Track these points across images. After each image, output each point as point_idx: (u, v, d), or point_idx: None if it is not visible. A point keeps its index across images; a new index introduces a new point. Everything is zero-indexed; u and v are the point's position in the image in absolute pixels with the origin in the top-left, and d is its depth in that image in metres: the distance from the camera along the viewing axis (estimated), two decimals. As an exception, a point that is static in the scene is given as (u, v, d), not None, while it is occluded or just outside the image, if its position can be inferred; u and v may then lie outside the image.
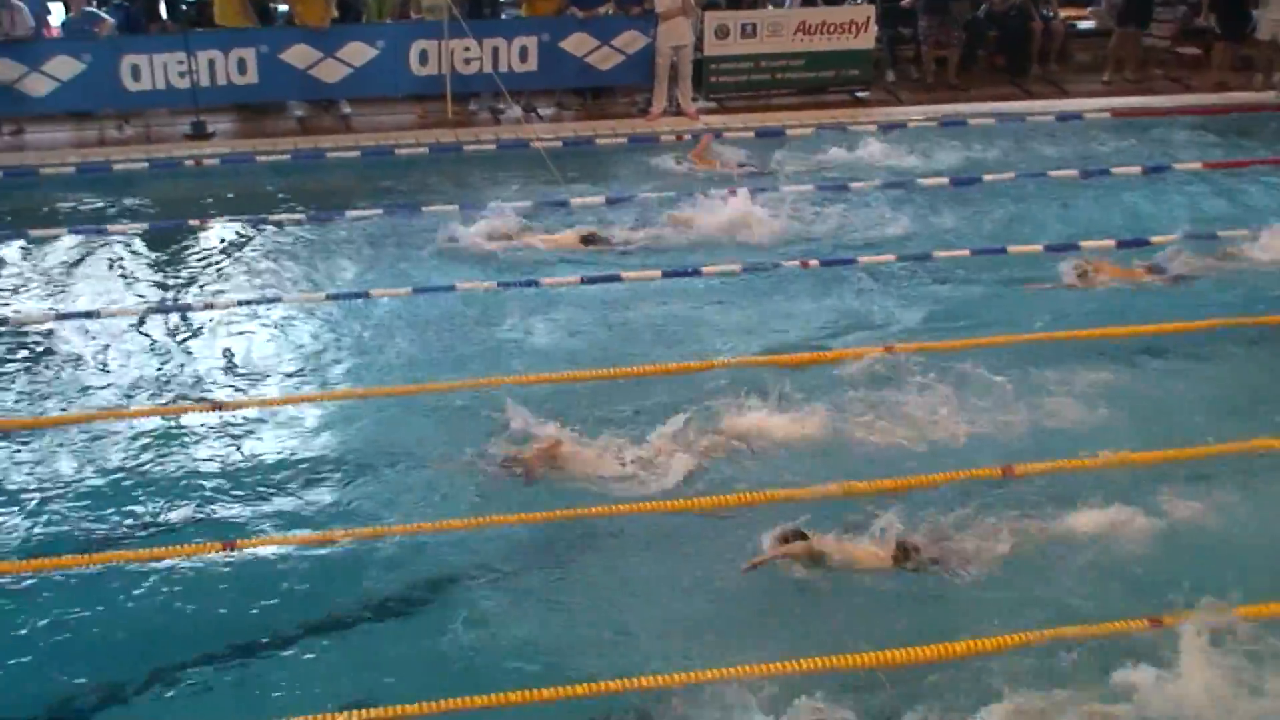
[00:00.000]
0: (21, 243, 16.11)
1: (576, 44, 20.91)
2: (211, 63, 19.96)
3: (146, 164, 18.90)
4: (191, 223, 16.61)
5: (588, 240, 15.51)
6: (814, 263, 14.93)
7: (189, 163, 18.97)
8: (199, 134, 19.97)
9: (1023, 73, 23.30)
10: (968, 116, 20.93)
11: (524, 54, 20.79)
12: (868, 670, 8.40)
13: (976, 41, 23.32)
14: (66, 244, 16.00)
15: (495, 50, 20.64)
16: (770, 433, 11.03)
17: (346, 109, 21.09)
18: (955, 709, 8.04)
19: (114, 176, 18.56)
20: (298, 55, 20.12)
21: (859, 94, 22.28)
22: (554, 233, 15.79)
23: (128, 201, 17.59)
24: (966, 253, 15.13)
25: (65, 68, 19.61)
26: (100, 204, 17.48)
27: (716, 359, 12.50)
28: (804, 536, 9.45)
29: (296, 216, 16.68)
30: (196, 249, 15.91)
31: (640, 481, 10.44)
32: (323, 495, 10.51)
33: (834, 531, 9.57)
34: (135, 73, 19.83)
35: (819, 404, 11.37)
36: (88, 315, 13.94)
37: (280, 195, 17.67)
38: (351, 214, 16.65)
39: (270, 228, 16.37)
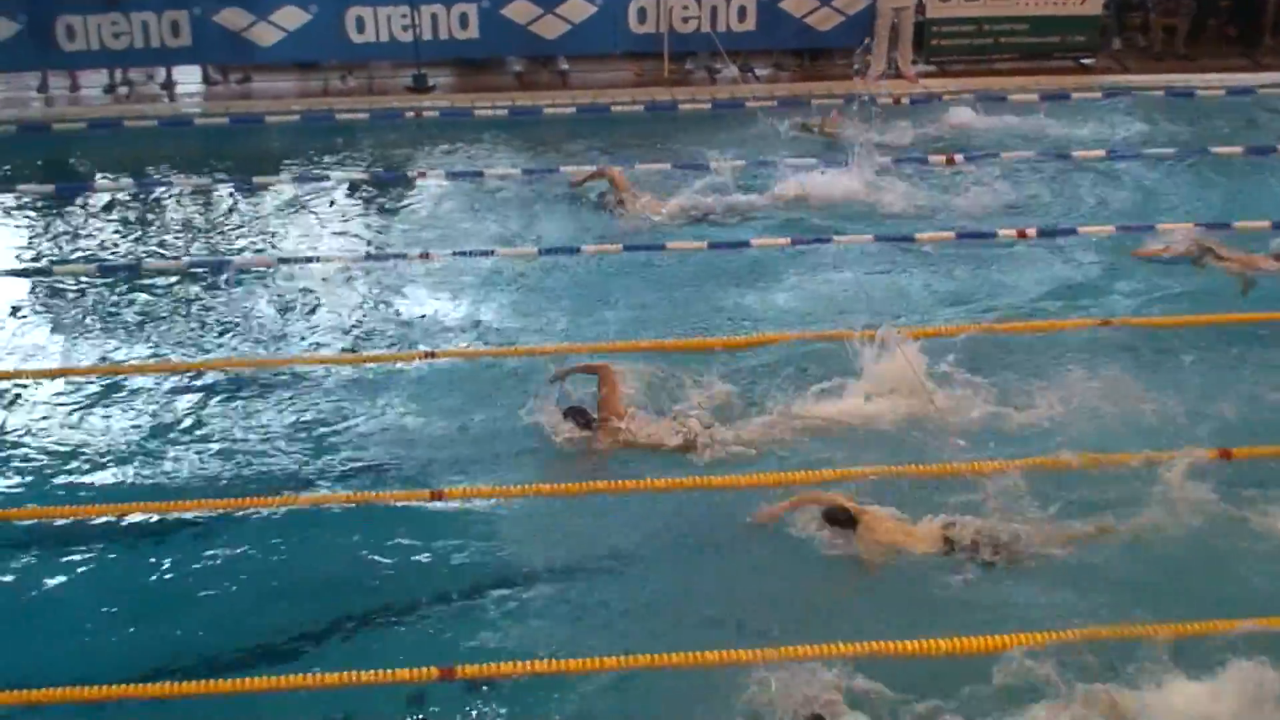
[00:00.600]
0: (246, 188, 16.53)
1: (796, 4, 20.71)
2: (434, 17, 20.21)
3: (368, 115, 19.24)
4: (409, 174, 16.87)
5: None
6: (1031, 232, 14.64)
7: (409, 115, 19.24)
8: (420, 87, 20.25)
9: (1255, 44, 22.46)
10: (1196, 88, 20.26)
11: (743, 13, 20.67)
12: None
13: (1207, 10, 22.54)
14: (288, 190, 16.38)
15: (714, 9, 20.55)
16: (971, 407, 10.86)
17: (564, 65, 21.18)
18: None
19: (336, 126, 18.91)
20: (518, 11, 20.27)
21: (1084, 61, 21.72)
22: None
23: (348, 151, 17.92)
24: (1190, 226, 14.59)
25: (293, 18, 20.02)
26: (322, 152, 17.84)
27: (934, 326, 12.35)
28: (847, 514, 9.26)
29: (511, 171, 16.82)
30: (412, 200, 16.16)
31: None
32: (527, 447, 10.63)
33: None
34: (360, 25, 20.17)
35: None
36: (307, 260, 14.26)
37: (497, 149, 17.85)
38: (566, 169, 16.71)
39: (488, 181, 16.54)
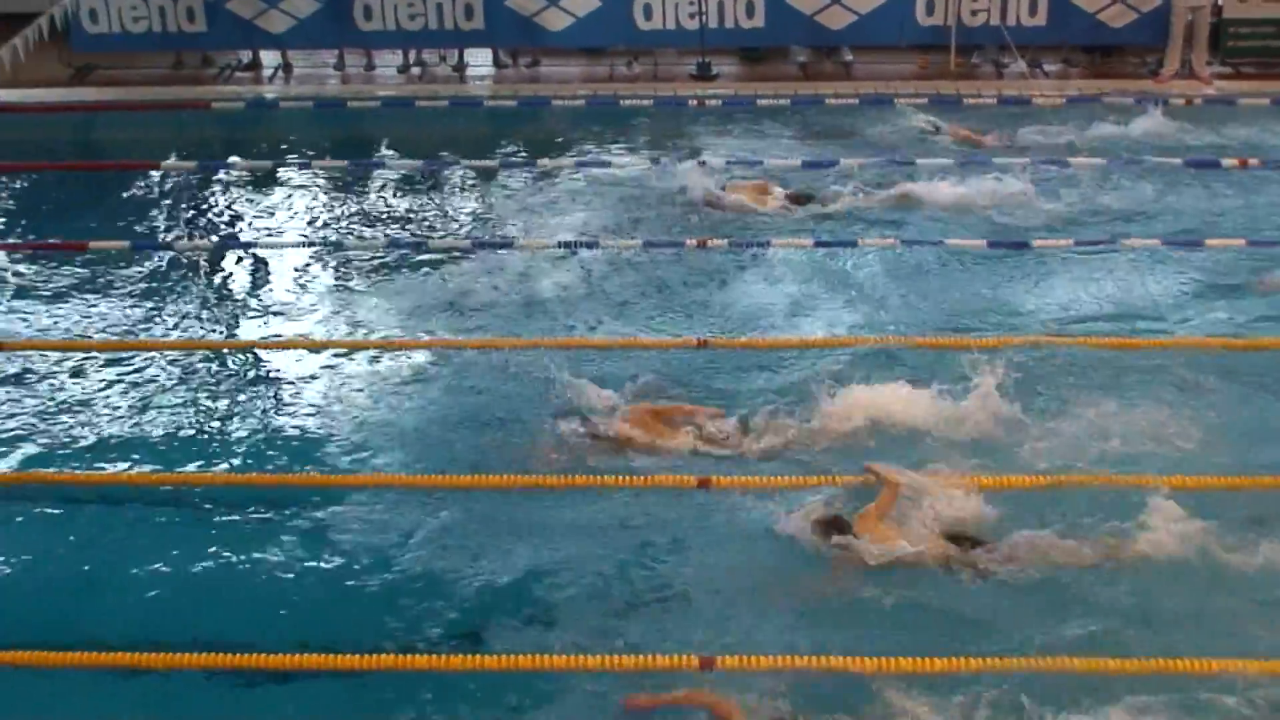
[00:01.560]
0: (530, 171, 16.81)
1: (1089, -1, 20.26)
2: (720, 5, 20.28)
3: (651, 101, 19.40)
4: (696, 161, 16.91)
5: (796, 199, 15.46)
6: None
7: (692, 102, 19.35)
8: (704, 75, 20.35)
9: None
10: None
11: (1033, 7, 20.24)
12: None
13: None
14: (569, 176, 16.61)
15: (1004, 2, 20.17)
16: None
17: (848, 56, 21.05)
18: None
19: (620, 111, 19.12)
20: (805, 1, 20.20)
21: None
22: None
23: (631, 136, 18.11)
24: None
25: (582, 4, 20.30)
26: (604, 138, 18.07)
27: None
28: (844, 524, 9.33)
29: (792, 162, 16.79)
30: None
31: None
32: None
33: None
34: (647, 12, 20.36)
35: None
36: (588, 245, 14.56)
37: (783, 137, 17.87)
38: (850, 161, 16.63)
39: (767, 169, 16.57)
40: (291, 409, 11.60)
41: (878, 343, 12.29)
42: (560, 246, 14.52)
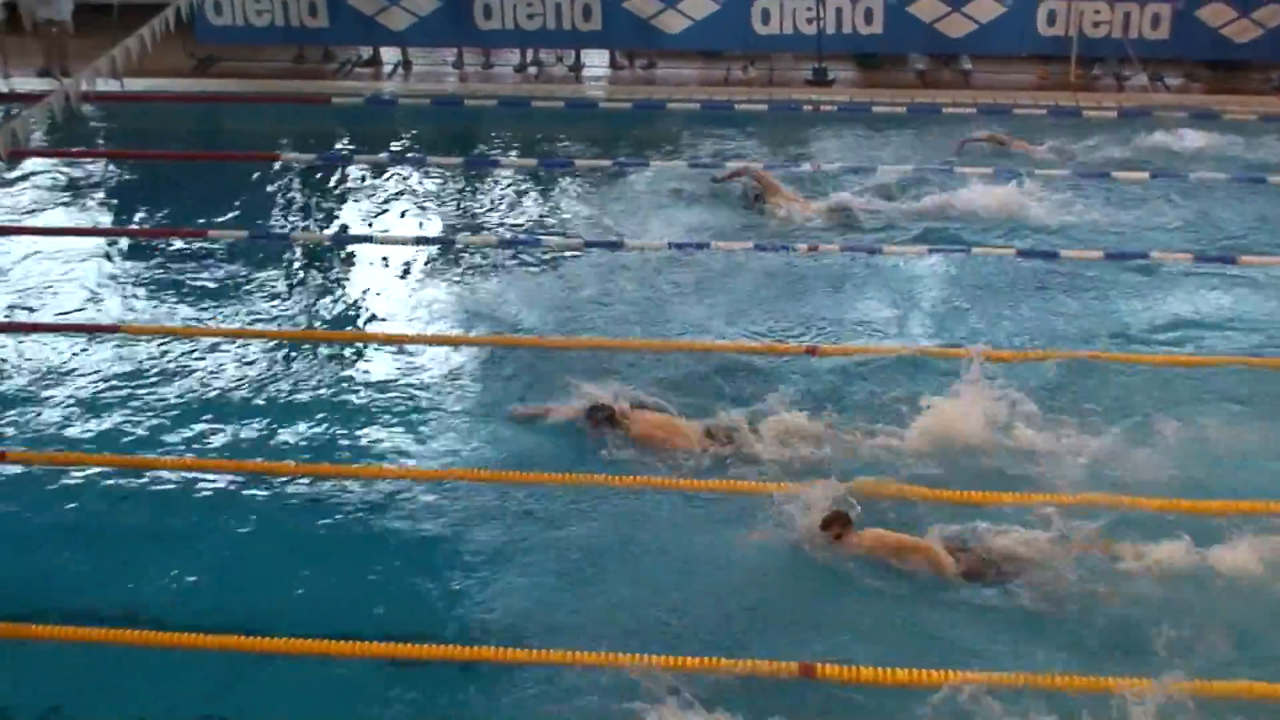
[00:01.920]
0: (643, 173, 16.87)
1: (1214, 14, 19.93)
2: (839, 10, 20.24)
3: (766, 106, 19.38)
4: (806, 167, 16.93)
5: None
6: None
7: (807, 108, 19.31)
8: (820, 80, 20.32)
9: None
10: None
11: (1156, 21, 20.00)
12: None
13: None
14: (681, 178, 16.64)
15: (1126, 15, 19.94)
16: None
17: (967, 64, 20.92)
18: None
19: (735, 116, 19.12)
20: (924, 8, 20.11)
21: None
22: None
23: (745, 141, 18.11)
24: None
25: (700, 7, 20.34)
26: (720, 141, 18.08)
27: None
28: (847, 519, 9.49)
29: (905, 169, 16.72)
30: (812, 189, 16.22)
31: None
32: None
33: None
34: (765, 16, 20.36)
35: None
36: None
37: (893, 145, 17.80)
38: (964, 170, 16.55)
39: (879, 176, 16.52)
40: (396, 401, 11.72)
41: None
42: (671, 248, 14.58)
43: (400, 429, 11.31)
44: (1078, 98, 19.47)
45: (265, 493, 10.49)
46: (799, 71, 20.70)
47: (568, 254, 14.65)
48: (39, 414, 11.59)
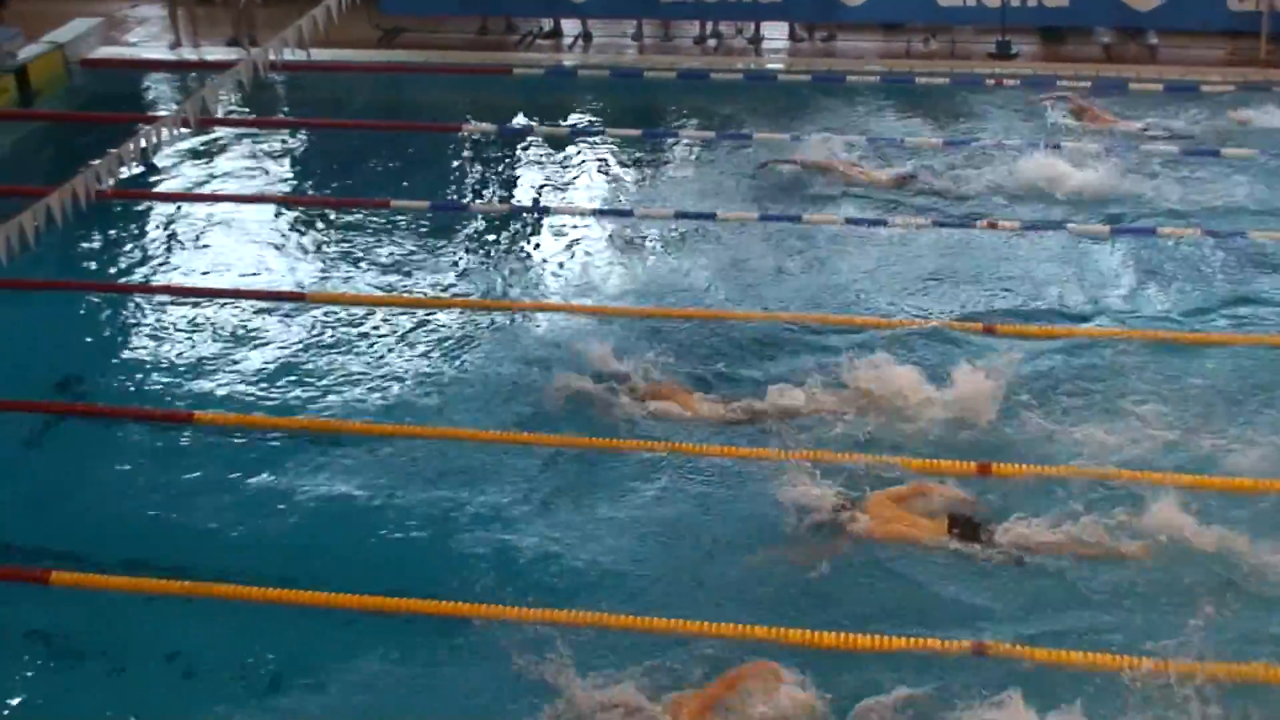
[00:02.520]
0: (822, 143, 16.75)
1: None
2: (1024, -17, 19.96)
3: (948, 79, 19.15)
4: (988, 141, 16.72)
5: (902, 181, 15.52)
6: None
7: (989, 81, 19.04)
8: (1003, 53, 20.00)
9: None
10: None
11: (1355, -7, 19.42)
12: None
13: None
14: (859, 152, 16.49)
15: (1323, -12, 19.40)
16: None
17: (1154, 39, 20.46)
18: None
19: (915, 89, 18.92)
20: (1112, -19, 19.76)
21: None
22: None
23: (926, 114, 17.93)
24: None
25: (882, -21, 20.23)
26: (900, 114, 17.94)
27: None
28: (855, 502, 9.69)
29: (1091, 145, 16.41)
30: (990, 166, 15.94)
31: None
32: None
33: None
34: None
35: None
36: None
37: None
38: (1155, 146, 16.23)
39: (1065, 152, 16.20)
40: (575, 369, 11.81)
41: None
42: (846, 223, 14.52)
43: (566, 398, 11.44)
44: (1267, 73, 18.93)
45: (441, 461, 10.68)
46: (981, 44, 20.41)
47: (743, 224, 14.64)
48: (224, 379, 11.95)
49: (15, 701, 8.55)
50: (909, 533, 9.49)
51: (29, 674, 8.78)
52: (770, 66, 20.18)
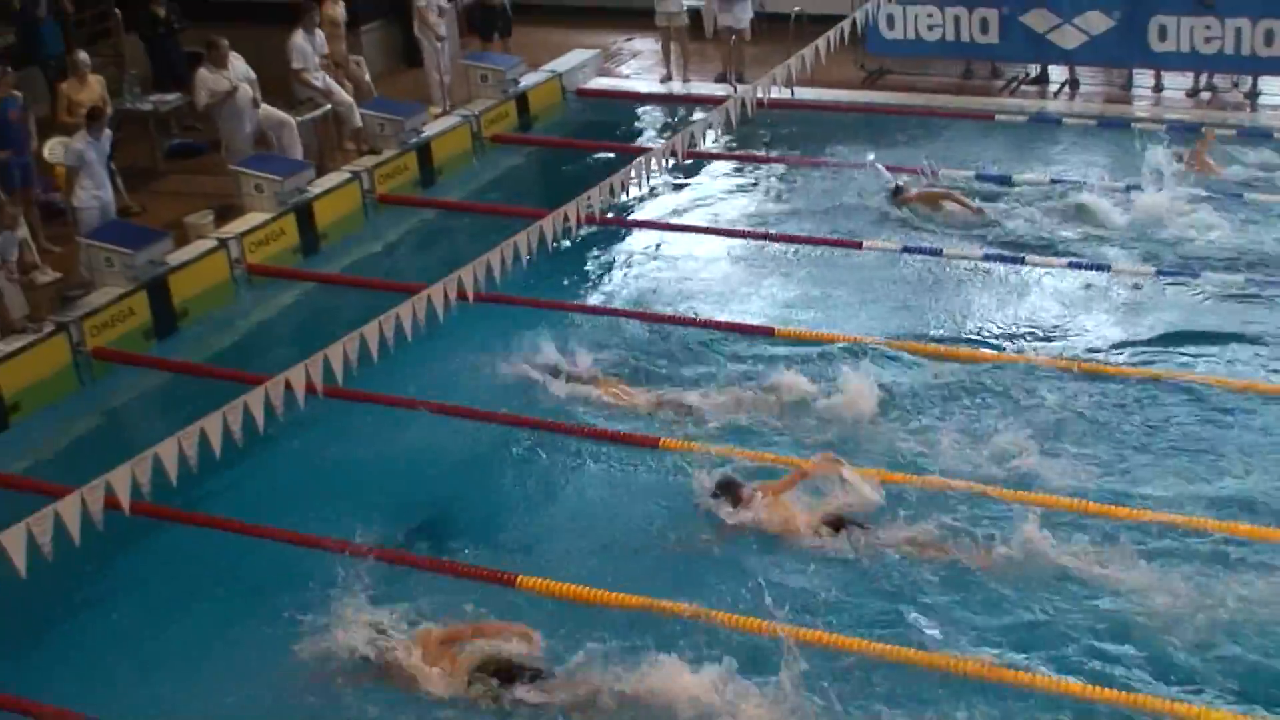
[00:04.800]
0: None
1: None
2: None
3: None
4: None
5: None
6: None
7: None
8: None
9: None
10: None
11: None
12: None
13: None
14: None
15: None
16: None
17: None
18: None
19: None
20: None
21: None
22: None
23: None
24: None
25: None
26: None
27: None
28: (735, 487, 10.82)
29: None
30: None
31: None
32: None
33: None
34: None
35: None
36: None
37: None
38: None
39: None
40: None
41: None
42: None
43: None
44: None
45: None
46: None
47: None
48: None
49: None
50: (788, 523, 10.62)
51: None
52: (1268, 123, 19.21)
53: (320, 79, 18.17)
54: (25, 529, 8.23)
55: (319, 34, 18.21)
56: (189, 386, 13.46)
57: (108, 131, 15.74)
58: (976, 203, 16.53)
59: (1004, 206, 16.58)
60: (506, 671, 9.27)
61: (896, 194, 16.67)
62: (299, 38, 17.89)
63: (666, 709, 8.91)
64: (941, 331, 13.88)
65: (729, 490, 10.88)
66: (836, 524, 10.57)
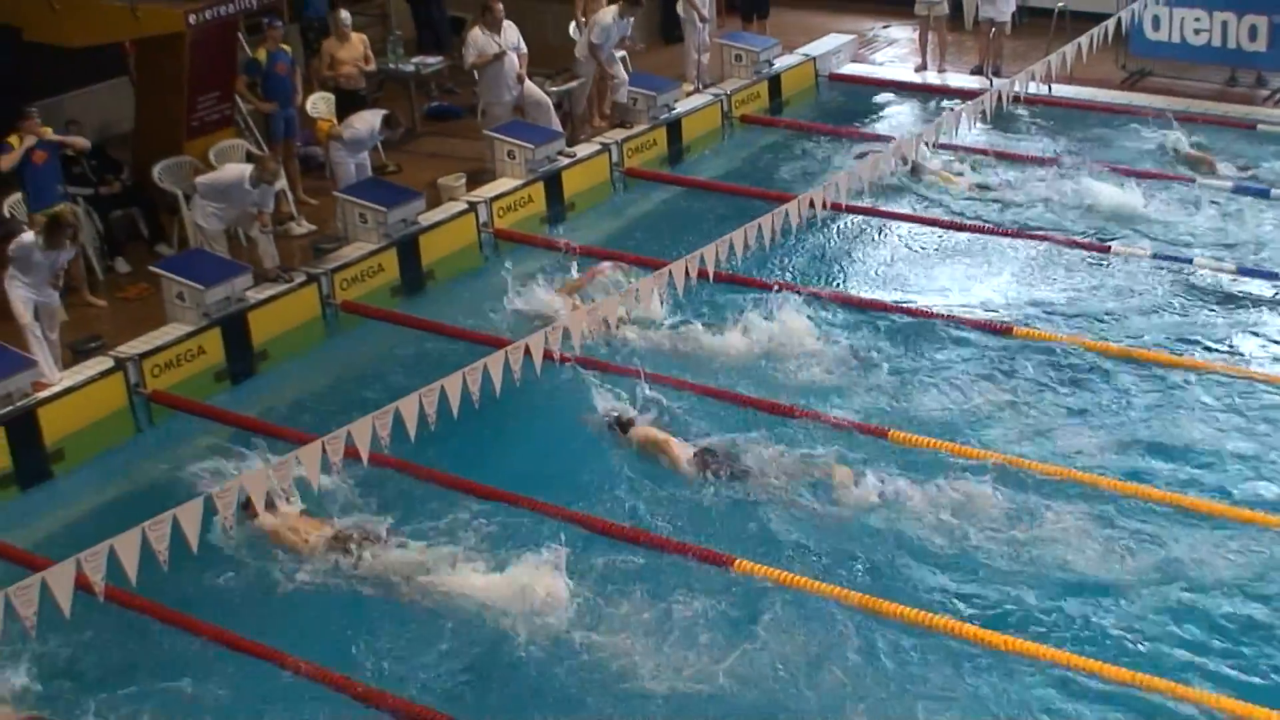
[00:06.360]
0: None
1: None
2: None
3: None
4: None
5: None
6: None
7: None
8: None
9: None
10: None
11: None
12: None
13: None
14: None
15: None
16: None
17: None
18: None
19: None
20: None
21: None
22: None
23: None
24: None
25: None
26: None
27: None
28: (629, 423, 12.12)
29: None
30: None
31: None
32: None
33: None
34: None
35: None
36: None
37: None
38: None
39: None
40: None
41: None
42: None
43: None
44: None
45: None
46: None
47: None
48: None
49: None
50: (668, 449, 11.76)
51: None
52: None
53: (609, 56, 18.50)
54: (293, 460, 8.83)
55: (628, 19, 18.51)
56: (432, 344, 13.89)
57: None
58: None
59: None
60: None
61: None
62: (609, 16, 18.19)
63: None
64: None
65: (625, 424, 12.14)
66: (708, 454, 11.70)
